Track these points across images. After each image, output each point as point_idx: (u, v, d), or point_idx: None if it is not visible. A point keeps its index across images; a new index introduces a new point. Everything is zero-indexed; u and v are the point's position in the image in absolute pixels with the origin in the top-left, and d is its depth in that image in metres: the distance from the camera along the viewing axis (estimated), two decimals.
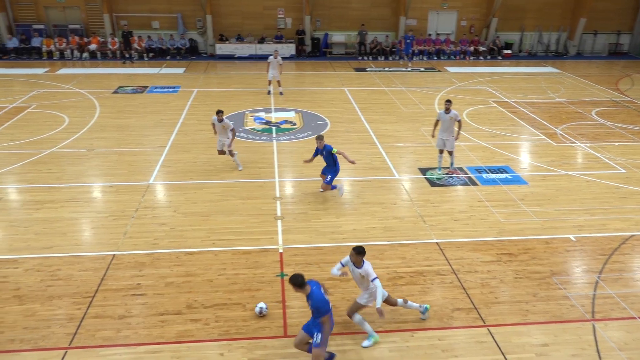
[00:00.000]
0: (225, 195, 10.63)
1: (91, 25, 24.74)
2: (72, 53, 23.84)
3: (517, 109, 16.67)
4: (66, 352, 6.50)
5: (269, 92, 18.06)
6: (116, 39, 24.03)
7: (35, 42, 23.74)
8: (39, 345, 6.58)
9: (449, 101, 11.35)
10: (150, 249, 8.66)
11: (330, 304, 6.01)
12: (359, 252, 6.33)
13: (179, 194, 10.73)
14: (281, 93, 18.03)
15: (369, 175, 11.47)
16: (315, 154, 10.24)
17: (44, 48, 23.47)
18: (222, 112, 11.47)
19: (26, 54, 23.46)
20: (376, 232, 9.21)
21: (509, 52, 25.51)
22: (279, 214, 9.85)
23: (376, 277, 6.38)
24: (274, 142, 13.59)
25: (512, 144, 13.51)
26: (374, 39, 25.06)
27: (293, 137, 13.97)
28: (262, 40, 24.74)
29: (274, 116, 15.72)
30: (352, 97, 17.84)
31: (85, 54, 23.78)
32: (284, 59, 23.43)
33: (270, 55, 20.07)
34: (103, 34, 24.62)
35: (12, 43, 23.55)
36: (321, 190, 10.55)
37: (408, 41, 23.77)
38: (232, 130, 11.54)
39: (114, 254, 8.51)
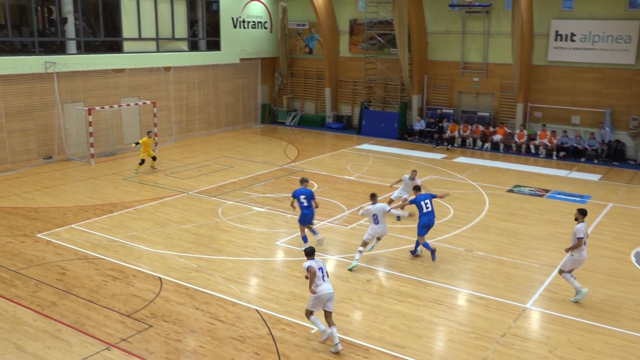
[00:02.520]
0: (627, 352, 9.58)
1: (501, 114, 27.30)
2: (474, 142, 26.77)
3: None
4: None
5: None
6: (525, 132, 25.66)
7: (444, 126, 27.83)
8: None
9: None
10: None
11: None
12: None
13: (561, 331, 10.31)
14: None
15: None
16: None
17: (448, 133, 27.23)
18: None
19: (429, 137, 27.73)
20: None
21: None
22: None
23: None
24: None
25: None
26: None
27: None
28: None
29: None
30: None
31: (487, 145, 26.27)
32: None
33: None
34: (511, 124, 26.73)
35: (419, 125, 28.32)
36: None
37: None
38: None
39: None
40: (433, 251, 13.17)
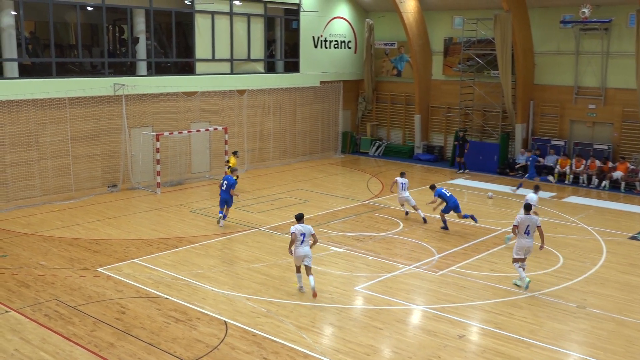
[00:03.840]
0: None
1: (622, 147, 26.22)
2: (588, 179, 25.80)
3: None
4: None
5: None
6: None
7: (549, 160, 27.03)
8: None
9: None
10: None
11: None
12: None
13: None
14: None
15: None
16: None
17: (557, 169, 26.39)
18: None
19: (535, 173, 26.94)
20: None
21: None
22: None
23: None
24: None
25: None
26: None
27: None
28: None
29: None
30: None
31: (605, 183, 25.24)
32: None
33: None
34: (635, 159, 25.59)
35: (523, 159, 27.64)
36: None
37: None
38: None
39: None
40: (472, 217, 18.89)
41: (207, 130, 25.13)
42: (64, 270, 15.00)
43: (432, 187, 19.46)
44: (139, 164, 23.62)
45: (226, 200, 18.81)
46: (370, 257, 16.21)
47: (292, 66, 29.80)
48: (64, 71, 22.43)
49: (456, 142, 28.86)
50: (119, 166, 23.09)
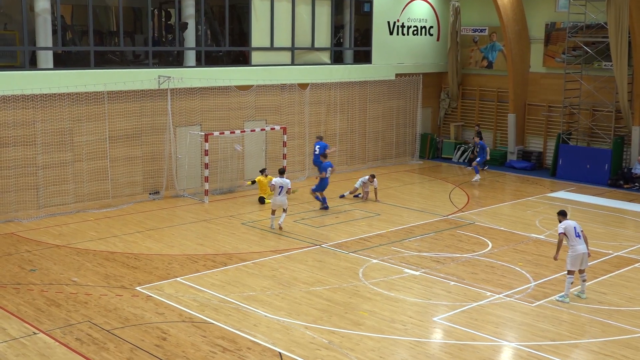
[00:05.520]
0: None
1: None
2: None
3: None
4: None
5: None
6: None
7: None
8: None
9: None
10: None
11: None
12: None
13: None
14: None
15: None
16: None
17: None
18: None
19: None
20: None
21: None
22: None
23: None
24: None
25: None
26: None
27: None
28: None
29: None
30: None
31: None
32: None
33: None
34: None
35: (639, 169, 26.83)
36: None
37: None
38: None
39: None
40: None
41: (262, 130, 25.41)
42: (99, 288, 15.39)
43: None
44: (184, 168, 24.07)
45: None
46: (452, 283, 16.01)
47: (363, 56, 29.83)
48: (103, 61, 23.12)
49: (476, 140, 29.00)
50: (162, 170, 23.59)
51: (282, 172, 20.47)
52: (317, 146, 24.85)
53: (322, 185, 22.47)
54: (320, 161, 23.28)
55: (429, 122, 33.19)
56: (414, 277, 16.49)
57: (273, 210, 20.28)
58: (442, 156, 32.66)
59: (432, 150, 32.76)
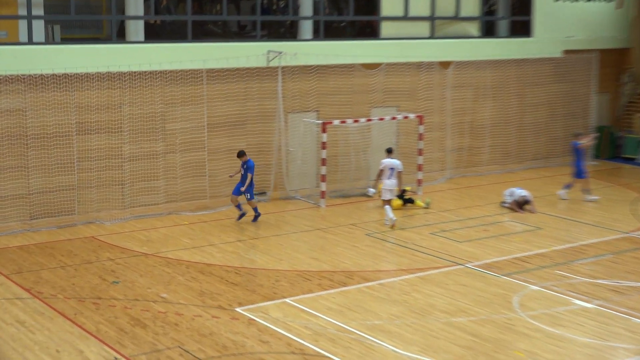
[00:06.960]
0: None
1: None
2: None
3: None
4: None
5: None
6: None
7: None
8: None
9: None
10: None
11: None
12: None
13: None
14: None
15: None
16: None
17: None
18: None
19: None
20: None
21: None
22: None
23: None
24: None
25: None
26: None
27: None
28: None
29: None
30: None
31: None
32: None
33: None
34: None
35: None
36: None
37: None
38: None
39: None
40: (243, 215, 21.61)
41: (394, 118, 25.26)
42: (192, 308, 15.61)
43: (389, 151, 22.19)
44: (297, 163, 24.24)
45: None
46: (636, 320, 15.33)
47: (521, 28, 29.29)
48: (202, 33, 23.54)
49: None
50: (269, 166, 23.87)
51: (389, 152, 21.85)
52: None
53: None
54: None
55: (606, 112, 32.27)
56: (586, 311, 15.97)
57: (387, 199, 21.20)
58: (624, 156, 31.66)
59: (610, 148, 31.87)
